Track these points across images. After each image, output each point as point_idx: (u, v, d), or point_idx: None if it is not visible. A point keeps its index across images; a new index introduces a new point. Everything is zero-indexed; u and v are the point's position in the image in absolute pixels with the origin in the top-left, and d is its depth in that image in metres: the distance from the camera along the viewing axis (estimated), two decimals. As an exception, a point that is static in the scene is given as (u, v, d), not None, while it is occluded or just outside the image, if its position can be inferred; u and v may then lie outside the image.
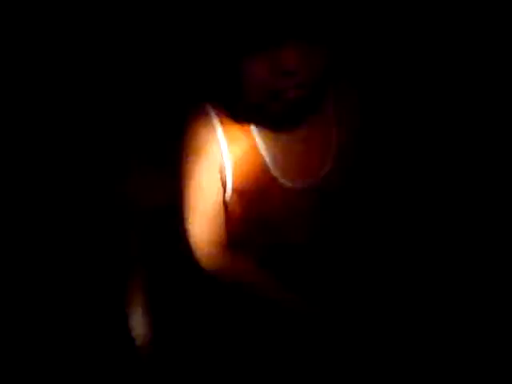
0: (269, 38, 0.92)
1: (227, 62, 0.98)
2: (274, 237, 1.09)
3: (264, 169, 1.05)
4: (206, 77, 1.17)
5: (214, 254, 1.09)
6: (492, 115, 1.35)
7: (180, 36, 1.35)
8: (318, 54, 0.95)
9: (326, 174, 1.08)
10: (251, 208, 1.07)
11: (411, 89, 1.37)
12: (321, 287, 1.10)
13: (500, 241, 1.26)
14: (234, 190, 1.06)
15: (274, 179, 1.06)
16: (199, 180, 1.06)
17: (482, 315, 1.13)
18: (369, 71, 1.29)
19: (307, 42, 0.93)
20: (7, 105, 1.40)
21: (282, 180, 1.06)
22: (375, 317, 1.08)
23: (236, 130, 1.05)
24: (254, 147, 1.05)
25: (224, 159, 1.05)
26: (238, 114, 1.05)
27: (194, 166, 1.06)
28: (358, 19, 1.28)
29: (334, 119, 1.09)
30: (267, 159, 1.05)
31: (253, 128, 1.06)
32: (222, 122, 1.05)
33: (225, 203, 1.09)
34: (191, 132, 1.05)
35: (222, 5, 0.97)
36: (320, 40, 0.94)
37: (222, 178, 1.07)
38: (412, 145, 1.33)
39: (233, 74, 0.97)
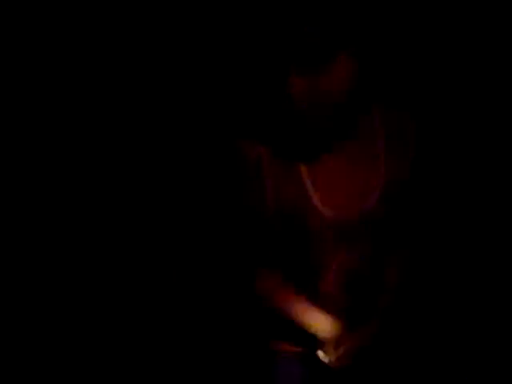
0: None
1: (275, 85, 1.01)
2: (307, 259, 1.07)
3: (305, 196, 1.03)
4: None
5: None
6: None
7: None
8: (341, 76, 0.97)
9: (369, 207, 1.05)
10: (291, 230, 1.06)
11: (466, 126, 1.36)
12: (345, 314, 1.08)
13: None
14: (274, 209, 1.05)
15: (313, 208, 1.03)
16: (241, 198, 1.07)
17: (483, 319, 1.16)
18: (426, 99, 1.28)
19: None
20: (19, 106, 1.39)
21: (322, 209, 1.03)
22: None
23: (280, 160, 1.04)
24: (298, 173, 1.04)
25: (265, 177, 1.04)
26: (284, 143, 1.05)
27: (236, 185, 1.07)
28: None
29: (384, 150, 1.06)
30: (309, 187, 1.03)
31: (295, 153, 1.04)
32: (264, 155, 1.04)
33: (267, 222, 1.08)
34: (236, 150, 1.06)
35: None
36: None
37: (264, 200, 1.06)
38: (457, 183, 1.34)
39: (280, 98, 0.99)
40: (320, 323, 1.05)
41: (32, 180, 1.39)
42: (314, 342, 1.04)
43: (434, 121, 1.20)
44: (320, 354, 1.03)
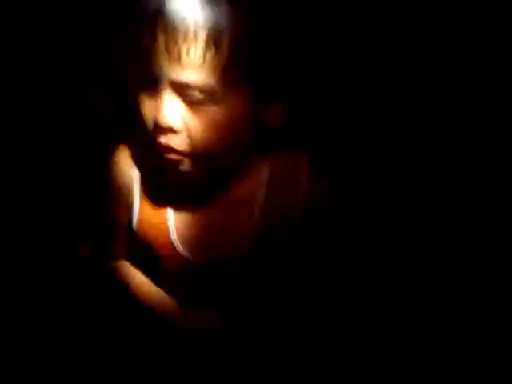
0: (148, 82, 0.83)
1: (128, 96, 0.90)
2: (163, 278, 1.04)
3: (166, 233, 0.98)
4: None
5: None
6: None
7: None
8: (210, 119, 0.84)
9: (235, 258, 0.99)
10: (148, 251, 1.01)
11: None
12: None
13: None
14: (136, 232, 1.00)
15: (173, 246, 0.98)
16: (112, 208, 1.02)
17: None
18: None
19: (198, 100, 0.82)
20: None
21: (181, 249, 0.98)
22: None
23: (152, 186, 0.99)
24: (164, 213, 0.98)
25: (134, 205, 0.99)
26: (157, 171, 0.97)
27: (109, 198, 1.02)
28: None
29: (264, 207, 0.98)
30: (170, 224, 0.98)
31: (169, 193, 0.98)
32: (140, 169, 0.99)
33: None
34: (114, 171, 1.00)
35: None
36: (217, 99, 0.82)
37: (128, 215, 1.01)
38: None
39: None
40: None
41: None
42: None
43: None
44: None
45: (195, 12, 0.78)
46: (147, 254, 1.01)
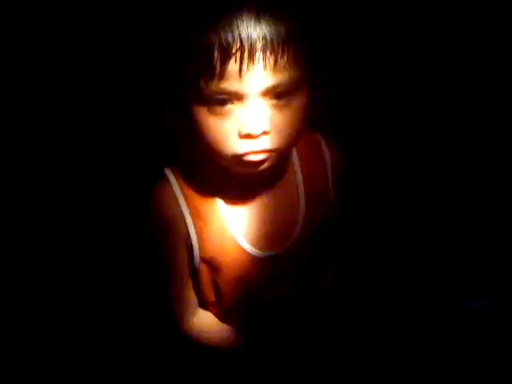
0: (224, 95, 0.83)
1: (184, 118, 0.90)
2: (242, 297, 1.05)
3: (229, 237, 0.99)
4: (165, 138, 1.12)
5: (189, 319, 1.08)
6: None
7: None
8: (292, 112, 0.87)
9: (293, 241, 1.02)
10: (219, 273, 1.02)
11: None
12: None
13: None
14: (201, 257, 1.01)
15: (239, 247, 1.00)
16: (167, 253, 1.03)
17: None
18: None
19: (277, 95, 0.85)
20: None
21: (247, 248, 1.00)
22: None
23: (199, 197, 0.99)
24: (219, 215, 0.99)
25: (189, 230, 0.99)
26: (201, 180, 0.99)
27: (159, 241, 1.02)
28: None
29: (303, 184, 1.03)
30: (232, 226, 0.99)
31: (217, 195, 1.00)
32: (183, 192, 0.99)
33: (194, 268, 1.03)
34: (154, 207, 1.00)
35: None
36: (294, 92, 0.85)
37: (187, 248, 1.01)
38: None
39: (190, 133, 0.90)
40: None
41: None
42: None
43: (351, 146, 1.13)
44: None
45: (265, 21, 0.80)
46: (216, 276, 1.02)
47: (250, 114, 0.83)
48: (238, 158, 0.87)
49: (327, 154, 1.05)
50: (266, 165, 0.89)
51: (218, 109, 0.84)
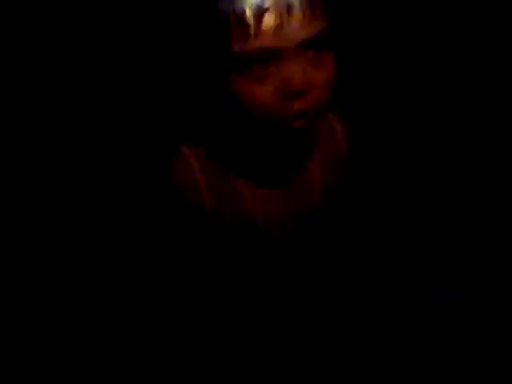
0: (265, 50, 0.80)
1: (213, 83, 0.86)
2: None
3: (245, 215, 0.98)
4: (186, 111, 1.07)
5: None
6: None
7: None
8: (325, 69, 0.84)
9: (307, 224, 1.02)
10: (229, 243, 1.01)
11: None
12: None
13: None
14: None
15: (255, 226, 0.99)
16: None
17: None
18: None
19: (315, 51, 0.83)
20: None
21: (263, 227, 0.99)
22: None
23: (217, 174, 0.97)
24: (237, 191, 0.98)
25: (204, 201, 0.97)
26: (220, 159, 0.97)
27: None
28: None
29: (321, 165, 1.02)
30: (249, 205, 0.98)
31: (234, 171, 0.97)
32: (203, 170, 0.96)
33: None
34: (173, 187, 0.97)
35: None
36: (329, 48, 0.84)
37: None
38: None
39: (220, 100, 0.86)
40: None
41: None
42: None
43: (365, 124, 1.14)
44: None
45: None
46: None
47: (291, 70, 0.81)
48: (280, 119, 0.84)
49: (337, 128, 1.04)
50: (306, 128, 0.86)
51: (256, 72, 0.81)
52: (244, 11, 0.78)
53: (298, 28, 0.80)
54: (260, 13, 0.78)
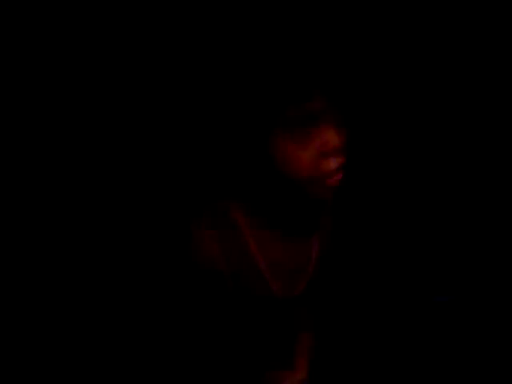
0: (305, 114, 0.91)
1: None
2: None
3: (255, 269, 1.02)
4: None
5: None
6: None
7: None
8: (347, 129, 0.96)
9: (307, 280, 1.07)
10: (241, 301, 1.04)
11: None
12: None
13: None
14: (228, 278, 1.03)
15: (263, 280, 1.02)
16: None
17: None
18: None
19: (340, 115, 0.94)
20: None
21: (271, 283, 1.03)
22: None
23: (229, 233, 1.01)
24: (247, 246, 1.02)
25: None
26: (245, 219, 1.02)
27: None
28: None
29: (318, 232, 1.09)
30: (259, 259, 1.02)
31: (248, 232, 1.02)
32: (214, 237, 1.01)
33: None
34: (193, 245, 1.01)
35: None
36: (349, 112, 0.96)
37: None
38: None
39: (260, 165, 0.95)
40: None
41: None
42: None
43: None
44: None
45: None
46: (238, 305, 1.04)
47: (330, 135, 0.92)
48: (321, 179, 0.93)
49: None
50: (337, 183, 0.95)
51: (301, 133, 0.91)
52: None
53: None
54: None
